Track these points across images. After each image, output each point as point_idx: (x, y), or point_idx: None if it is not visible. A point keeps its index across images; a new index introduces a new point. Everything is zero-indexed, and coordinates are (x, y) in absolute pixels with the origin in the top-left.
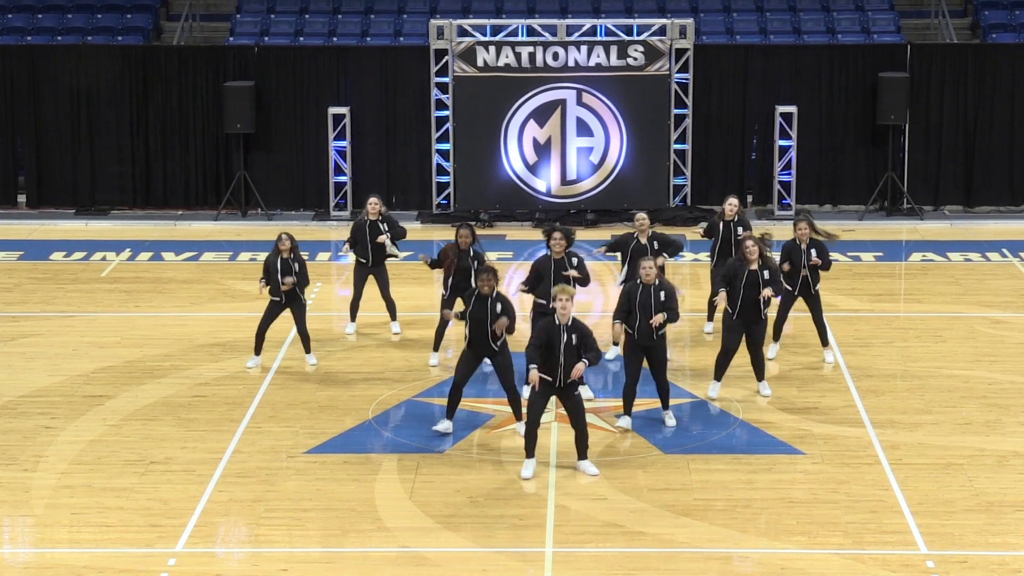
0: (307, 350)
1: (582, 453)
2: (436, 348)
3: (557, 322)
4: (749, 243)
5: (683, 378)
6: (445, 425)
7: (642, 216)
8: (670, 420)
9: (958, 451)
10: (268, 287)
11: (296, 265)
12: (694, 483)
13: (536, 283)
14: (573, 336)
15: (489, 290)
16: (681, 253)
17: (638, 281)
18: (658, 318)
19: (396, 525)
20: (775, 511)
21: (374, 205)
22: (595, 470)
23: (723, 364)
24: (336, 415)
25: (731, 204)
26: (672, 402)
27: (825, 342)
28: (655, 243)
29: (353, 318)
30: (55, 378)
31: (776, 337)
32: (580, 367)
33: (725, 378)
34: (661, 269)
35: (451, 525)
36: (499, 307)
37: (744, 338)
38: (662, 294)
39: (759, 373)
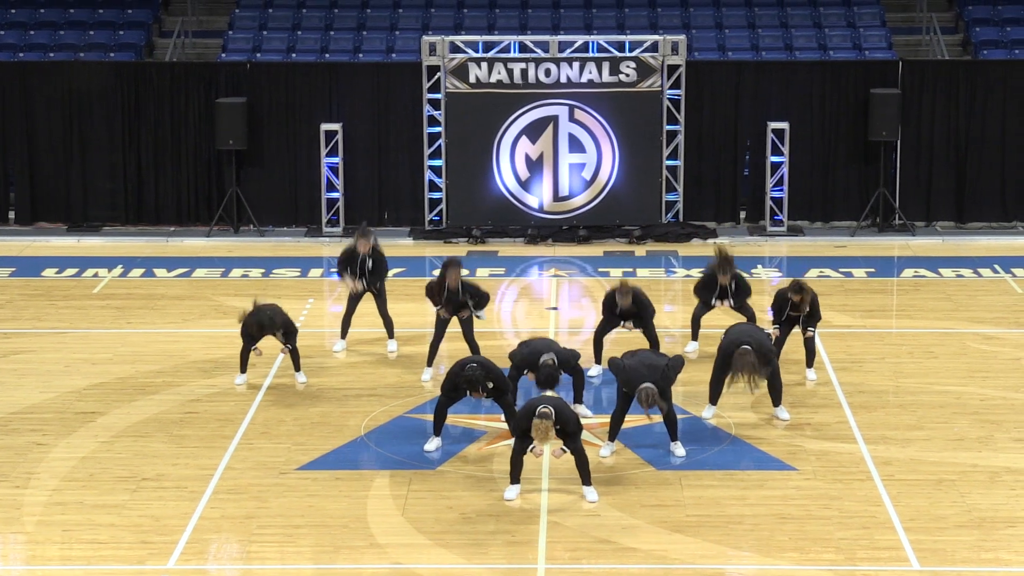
0: (296, 367)
1: (584, 479)
2: (429, 363)
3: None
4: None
5: (675, 395)
6: (434, 443)
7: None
8: (679, 451)
9: (950, 467)
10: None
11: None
12: (687, 499)
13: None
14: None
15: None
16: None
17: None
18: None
19: (388, 542)
20: (768, 527)
21: (364, 245)
22: (595, 496)
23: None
24: (328, 431)
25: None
26: None
27: (810, 362)
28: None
29: (344, 335)
30: (47, 395)
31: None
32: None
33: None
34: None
35: (443, 542)
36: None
37: None
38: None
39: (775, 398)
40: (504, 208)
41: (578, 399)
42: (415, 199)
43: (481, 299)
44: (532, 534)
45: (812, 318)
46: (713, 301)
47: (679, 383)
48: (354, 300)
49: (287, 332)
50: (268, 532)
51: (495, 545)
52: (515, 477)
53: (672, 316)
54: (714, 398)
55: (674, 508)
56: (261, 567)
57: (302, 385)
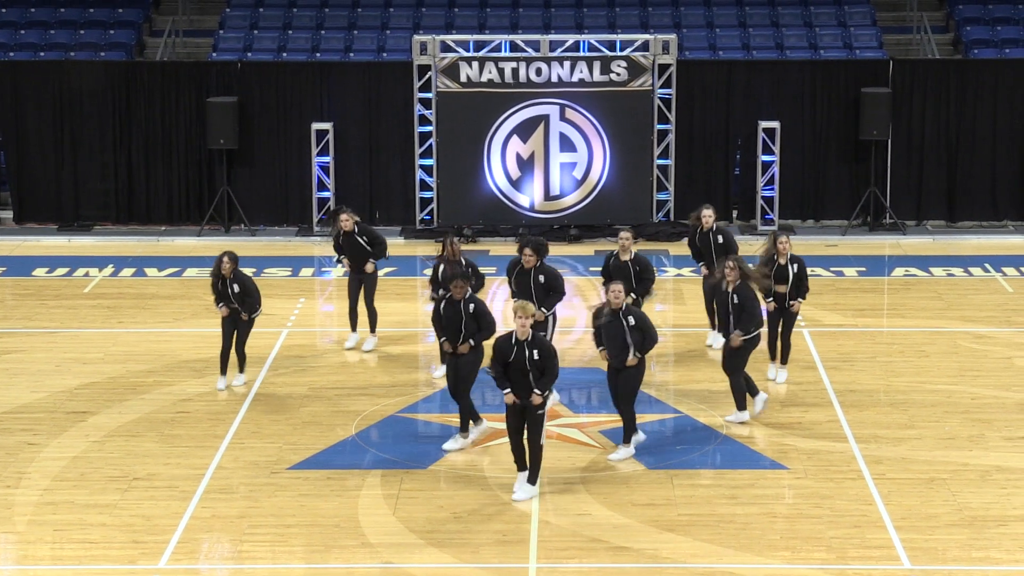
0: (240, 369)
1: (534, 477)
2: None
3: (514, 340)
4: (729, 265)
5: (667, 394)
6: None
7: (626, 236)
8: (616, 455)
9: (941, 466)
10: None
11: (236, 286)
12: (678, 498)
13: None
14: (535, 352)
15: (461, 295)
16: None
17: (604, 307)
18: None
19: (380, 541)
20: (759, 526)
21: (346, 221)
22: (525, 495)
23: (747, 382)
24: (319, 431)
25: (706, 216)
26: (656, 417)
27: (784, 360)
28: (636, 267)
29: (353, 328)
30: (38, 394)
31: (772, 357)
32: (537, 398)
33: (711, 393)
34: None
35: (435, 541)
36: (471, 308)
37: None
38: (631, 319)
39: (738, 399)
40: (495, 207)
41: None
42: (406, 198)
43: (479, 279)
44: (523, 533)
45: (800, 286)
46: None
47: (671, 383)
48: (356, 291)
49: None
50: (259, 532)
51: (486, 544)
52: (521, 464)
53: (663, 315)
54: (752, 389)
55: (665, 507)
56: (252, 567)
57: (240, 386)
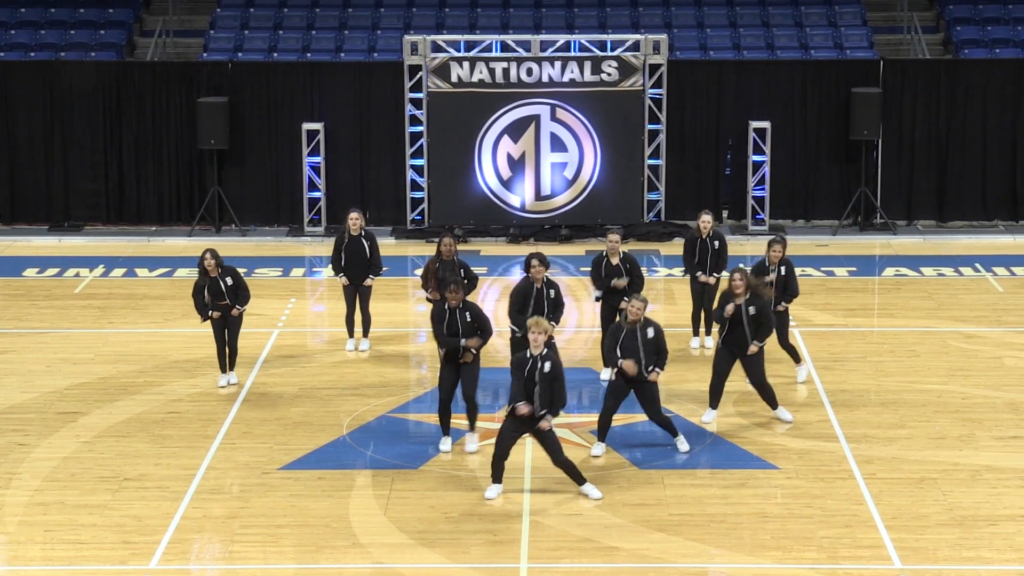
0: (231, 366)
1: (579, 480)
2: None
3: (529, 354)
4: (736, 276)
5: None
6: (446, 443)
7: (615, 237)
8: (683, 445)
9: (932, 465)
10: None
11: (228, 279)
12: (669, 498)
13: (523, 308)
14: (546, 365)
15: (457, 302)
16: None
17: (621, 322)
18: (629, 365)
19: (371, 541)
20: (750, 526)
21: (355, 220)
22: (598, 493)
23: (716, 388)
24: (310, 431)
25: (704, 221)
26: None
27: (796, 358)
28: (627, 265)
29: (351, 334)
30: (28, 395)
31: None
32: (546, 424)
33: (702, 394)
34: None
35: (426, 541)
36: (468, 316)
37: (743, 370)
38: (650, 331)
39: (771, 402)
40: (486, 207)
41: None
42: (397, 198)
43: (472, 280)
44: (514, 533)
45: (785, 289)
46: (697, 273)
47: (663, 383)
48: (353, 298)
49: (237, 285)
50: (250, 532)
51: (477, 544)
52: (497, 477)
53: (654, 315)
54: (714, 401)
55: (656, 507)
56: (243, 567)
57: (231, 386)
